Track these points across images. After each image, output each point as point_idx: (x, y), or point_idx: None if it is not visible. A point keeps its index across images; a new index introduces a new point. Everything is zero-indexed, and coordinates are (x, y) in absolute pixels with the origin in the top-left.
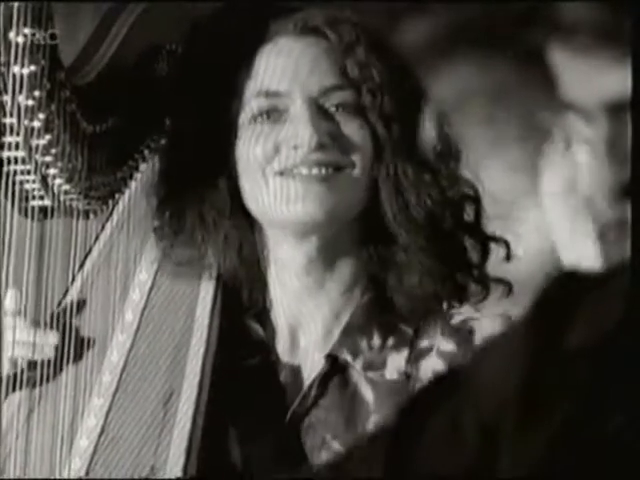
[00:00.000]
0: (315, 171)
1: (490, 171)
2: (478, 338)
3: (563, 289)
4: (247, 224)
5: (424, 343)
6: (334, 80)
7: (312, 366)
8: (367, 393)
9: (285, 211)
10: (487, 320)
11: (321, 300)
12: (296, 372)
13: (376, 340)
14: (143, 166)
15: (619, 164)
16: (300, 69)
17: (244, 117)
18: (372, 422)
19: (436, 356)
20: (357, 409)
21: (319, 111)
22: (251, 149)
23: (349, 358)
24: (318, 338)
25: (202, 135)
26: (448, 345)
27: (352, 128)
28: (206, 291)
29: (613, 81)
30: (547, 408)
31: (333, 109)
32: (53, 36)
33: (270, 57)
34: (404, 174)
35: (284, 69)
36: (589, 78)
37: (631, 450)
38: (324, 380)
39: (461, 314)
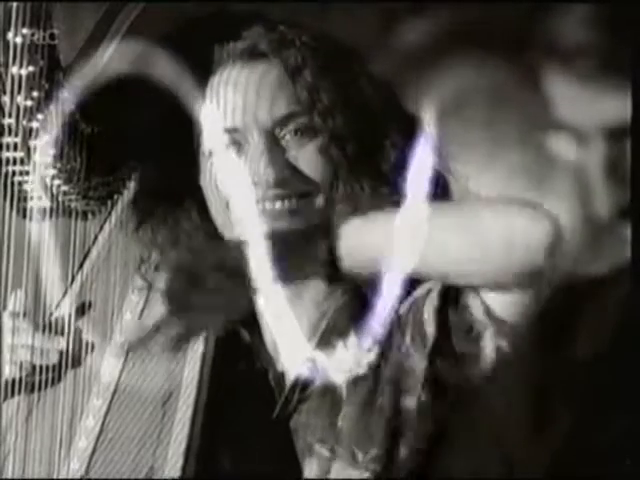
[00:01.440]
0: (279, 205)
1: (489, 173)
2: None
3: (565, 299)
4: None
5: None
6: (286, 108)
7: (294, 371)
8: (342, 391)
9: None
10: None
11: (301, 309)
12: (281, 378)
13: (352, 340)
14: None
15: (620, 186)
16: (250, 102)
17: (205, 150)
18: (340, 417)
19: (396, 350)
20: (335, 409)
21: (275, 143)
22: (217, 182)
23: (326, 360)
24: (300, 344)
25: (168, 168)
26: (405, 338)
27: (310, 153)
28: None
29: (614, 107)
30: (554, 415)
31: (289, 136)
32: (52, 36)
33: (220, 89)
34: (361, 190)
35: (235, 103)
36: (588, 103)
37: (633, 453)
38: (304, 385)
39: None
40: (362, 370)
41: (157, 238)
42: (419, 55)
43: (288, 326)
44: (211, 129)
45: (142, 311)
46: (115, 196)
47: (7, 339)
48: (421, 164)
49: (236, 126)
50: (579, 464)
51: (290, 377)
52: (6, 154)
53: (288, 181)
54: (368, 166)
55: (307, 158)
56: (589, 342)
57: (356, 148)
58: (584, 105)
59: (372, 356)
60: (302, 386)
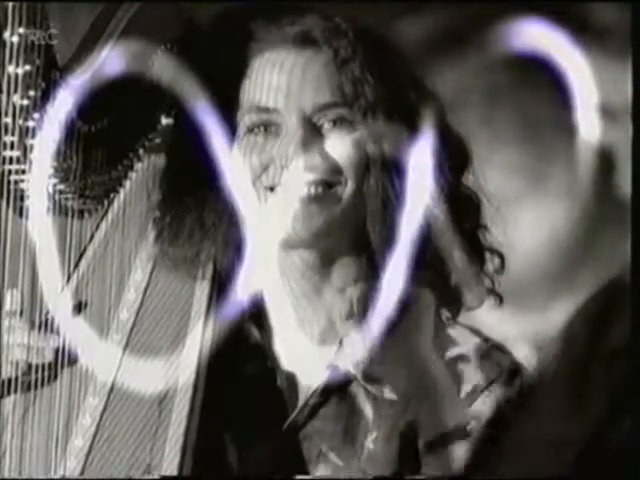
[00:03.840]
0: (304, 190)
1: (488, 171)
2: (466, 387)
3: (608, 296)
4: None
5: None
6: (328, 97)
7: (309, 374)
8: (366, 408)
9: (272, 226)
10: (479, 370)
11: (318, 306)
12: (291, 379)
13: (377, 351)
14: (138, 165)
15: None
16: (295, 85)
17: (240, 127)
18: (371, 440)
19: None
20: (355, 423)
21: (312, 129)
22: (245, 160)
23: (351, 368)
24: (314, 345)
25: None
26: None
27: (345, 145)
28: (202, 290)
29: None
30: (589, 404)
31: (327, 125)
32: (51, 36)
33: (266, 70)
34: (392, 187)
35: (279, 85)
36: (618, 81)
37: None
38: (325, 390)
39: (456, 346)
40: (389, 395)
41: (185, 223)
42: (419, 52)
43: (305, 324)
44: (246, 107)
45: (139, 308)
46: (111, 195)
47: (3, 338)
48: (422, 163)
49: (276, 107)
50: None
51: (303, 379)
52: (3, 153)
53: (318, 168)
54: (401, 165)
55: (341, 149)
56: (625, 335)
57: (393, 147)
58: (614, 83)
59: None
60: (323, 391)
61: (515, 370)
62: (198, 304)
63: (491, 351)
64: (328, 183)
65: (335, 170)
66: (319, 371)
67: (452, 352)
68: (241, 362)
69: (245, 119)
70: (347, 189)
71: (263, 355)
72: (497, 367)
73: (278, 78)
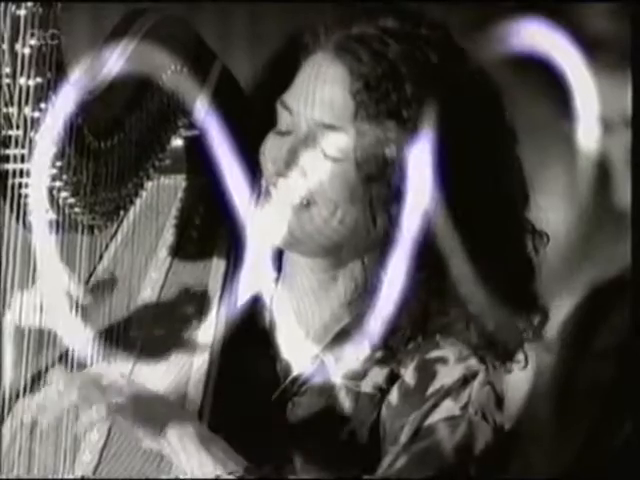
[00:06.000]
0: (280, 195)
1: None
2: (435, 385)
3: (594, 300)
4: None
5: (398, 368)
6: (334, 119)
7: (300, 364)
8: (345, 402)
9: (269, 229)
10: (452, 371)
11: (324, 302)
12: (287, 367)
13: (364, 351)
14: (148, 184)
15: None
16: (312, 95)
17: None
18: (346, 432)
19: (397, 388)
20: (331, 414)
21: (307, 142)
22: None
23: (333, 363)
24: (312, 338)
25: None
26: (410, 380)
27: (331, 170)
28: (213, 292)
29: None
30: (579, 409)
31: (322, 145)
32: (53, 36)
33: (303, 70)
34: (373, 221)
35: (302, 89)
36: (614, 92)
37: None
38: (305, 379)
39: (440, 350)
40: (365, 388)
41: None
42: None
43: (308, 317)
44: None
45: (161, 289)
46: (121, 212)
47: None
48: (421, 165)
49: (291, 107)
50: (594, 464)
51: (296, 368)
52: (13, 166)
53: (293, 178)
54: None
55: (326, 172)
56: (612, 337)
57: (384, 185)
58: (608, 94)
59: (380, 377)
60: (302, 381)
61: (466, 379)
62: (206, 327)
63: (469, 356)
64: (303, 197)
65: (307, 189)
66: (308, 362)
67: (432, 354)
68: (248, 350)
69: (277, 111)
70: (318, 208)
71: (268, 343)
72: (465, 371)
73: (305, 82)
